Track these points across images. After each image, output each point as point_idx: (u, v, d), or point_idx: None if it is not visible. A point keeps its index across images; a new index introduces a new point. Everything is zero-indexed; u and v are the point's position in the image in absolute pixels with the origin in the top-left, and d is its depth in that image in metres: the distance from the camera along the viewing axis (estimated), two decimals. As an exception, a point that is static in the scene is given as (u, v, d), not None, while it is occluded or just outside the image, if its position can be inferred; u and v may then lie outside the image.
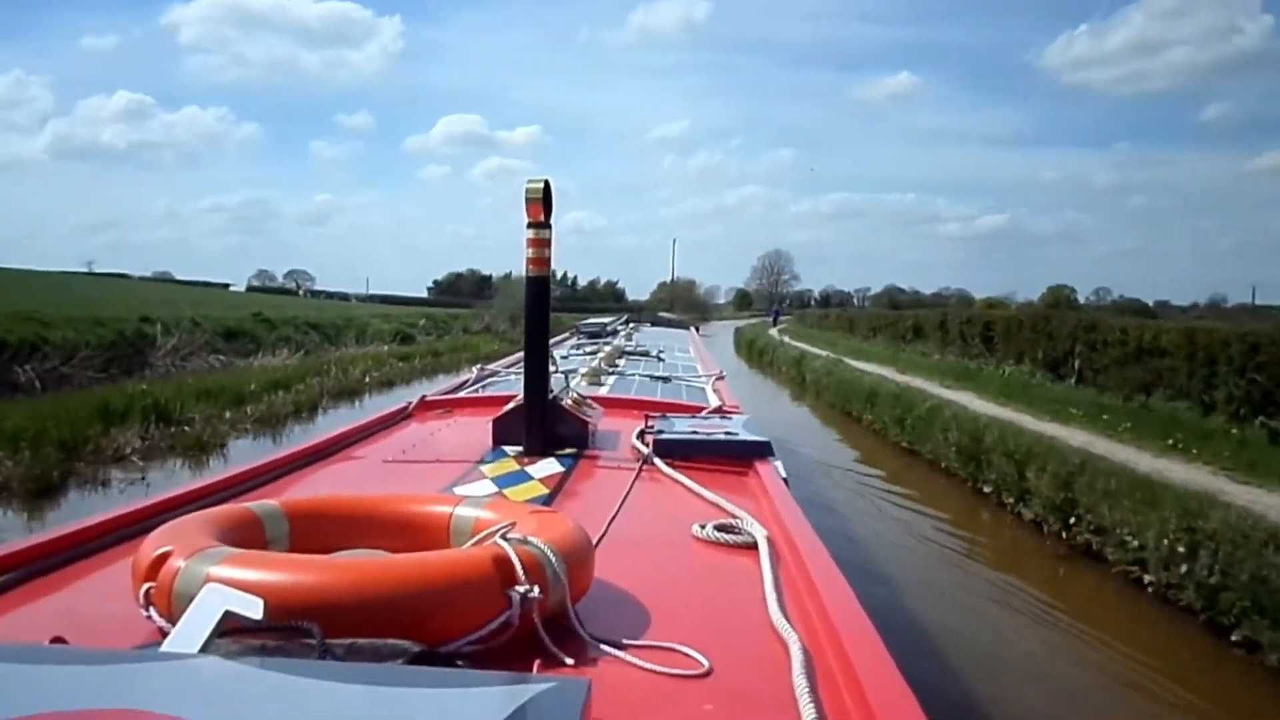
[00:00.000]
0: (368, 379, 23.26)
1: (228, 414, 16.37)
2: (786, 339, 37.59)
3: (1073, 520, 9.17)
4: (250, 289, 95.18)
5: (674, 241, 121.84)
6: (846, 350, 29.45)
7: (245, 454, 13.31)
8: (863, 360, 25.51)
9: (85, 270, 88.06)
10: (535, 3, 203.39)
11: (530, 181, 3.58)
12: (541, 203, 3.58)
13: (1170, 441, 11.73)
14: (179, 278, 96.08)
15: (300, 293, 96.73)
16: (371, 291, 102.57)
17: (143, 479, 11.03)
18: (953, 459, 12.54)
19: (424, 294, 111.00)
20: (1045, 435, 12.30)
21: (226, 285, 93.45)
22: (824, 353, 28.47)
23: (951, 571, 9.06)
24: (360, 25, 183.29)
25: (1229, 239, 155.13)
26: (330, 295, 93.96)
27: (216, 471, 3.51)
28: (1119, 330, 14.51)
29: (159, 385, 17.90)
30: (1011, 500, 10.56)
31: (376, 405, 19.38)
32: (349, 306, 58.10)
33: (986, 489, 11.35)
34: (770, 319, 71.39)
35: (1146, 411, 13.25)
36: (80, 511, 9.52)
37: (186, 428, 14.53)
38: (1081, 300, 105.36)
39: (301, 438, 5.05)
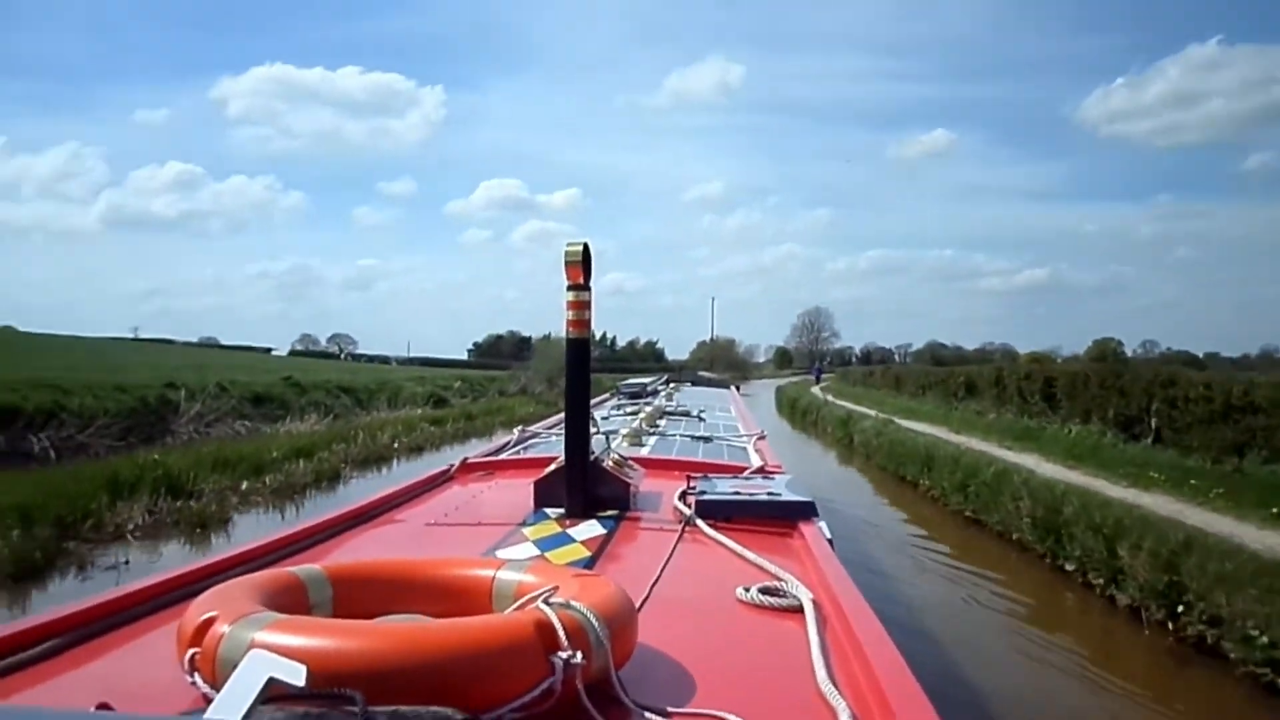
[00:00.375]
0: (396, 444, 22.29)
1: (244, 484, 15.47)
2: (830, 398, 36.21)
3: (1180, 609, 7.84)
4: (293, 353, 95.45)
5: (713, 300, 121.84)
6: (895, 409, 28.07)
7: (253, 530, 12.37)
8: (913, 419, 24.18)
9: (131, 336, 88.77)
10: (573, 70, 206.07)
11: (569, 244, 3.57)
12: (581, 265, 3.57)
13: (1276, 510, 10.35)
14: (223, 343, 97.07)
15: (342, 356, 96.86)
16: (412, 354, 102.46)
17: (125, 563, 10.00)
18: (1026, 532, 11.23)
19: (464, 356, 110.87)
20: (1128, 503, 10.97)
21: (269, 350, 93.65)
22: (872, 412, 27.14)
23: (1038, 667, 7.77)
24: (403, 96, 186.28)
25: (1274, 290, 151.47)
26: (371, 359, 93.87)
27: (259, 536, 3.30)
28: (1203, 385, 13.14)
29: (174, 454, 17.05)
30: (1101, 582, 9.23)
31: (404, 473, 18.51)
32: (386, 369, 57.55)
33: (1069, 567, 10.01)
34: (812, 377, 70.10)
35: (1240, 476, 11.85)
36: (52, 600, 8.89)
37: (194, 501, 13.60)
38: (1129, 353, 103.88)
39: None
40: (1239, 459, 12.24)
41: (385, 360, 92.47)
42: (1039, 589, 10.23)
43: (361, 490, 14.85)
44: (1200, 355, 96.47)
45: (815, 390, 49.99)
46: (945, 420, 23.25)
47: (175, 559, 10.04)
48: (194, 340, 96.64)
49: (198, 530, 12.40)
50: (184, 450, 17.98)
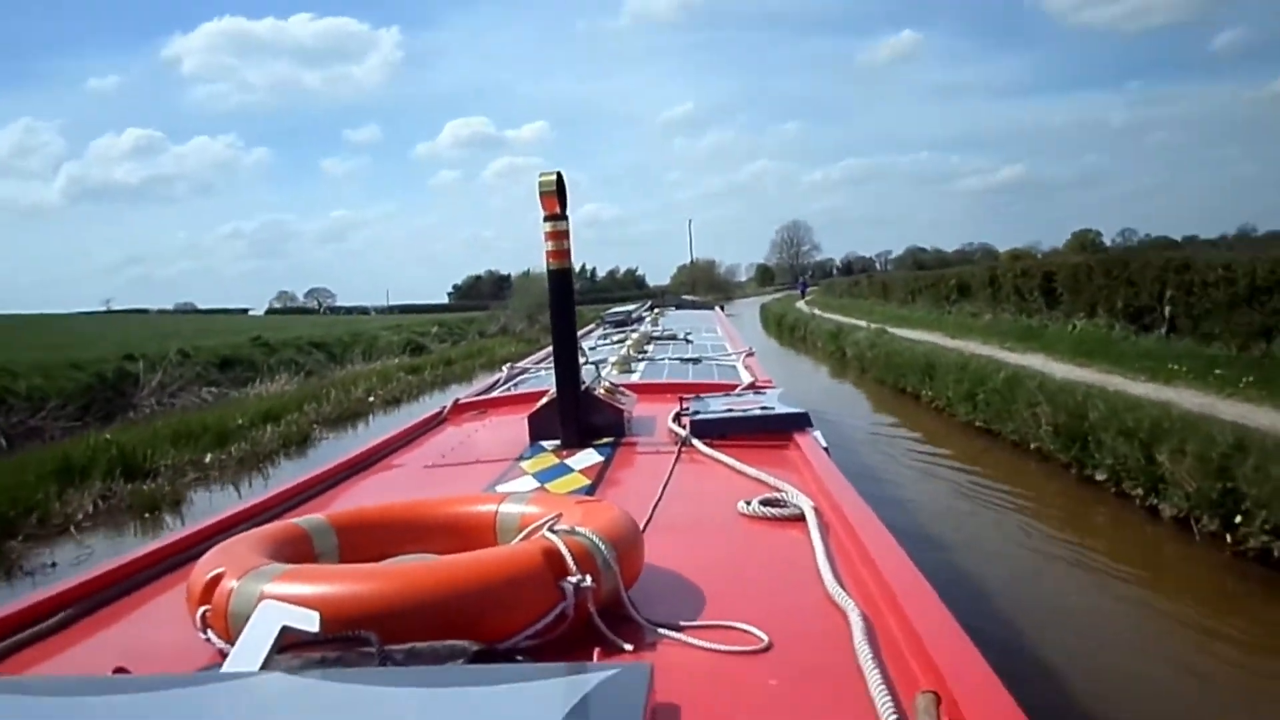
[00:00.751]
0: (372, 398, 21.23)
1: (208, 457, 14.44)
2: (817, 311, 35.18)
3: (1239, 519, 6.92)
4: (270, 311, 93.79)
5: (689, 222, 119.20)
6: (885, 318, 27.11)
7: (208, 508, 11.36)
8: (906, 327, 23.22)
9: (104, 309, 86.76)
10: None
11: (543, 175, 3.54)
12: (556, 195, 3.53)
13: (1319, 396, 9.43)
14: (200, 307, 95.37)
15: (320, 310, 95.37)
16: (392, 303, 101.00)
17: (52, 565, 8.95)
18: (1047, 440, 10.30)
19: (444, 300, 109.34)
20: (1161, 402, 10.02)
21: (245, 310, 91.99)
22: (862, 323, 26.15)
23: (1079, 582, 6.92)
24: (358, 39, 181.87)
25: (1251, 167, 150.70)
26: (350, 310, 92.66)
27: (260, 491, 3.42)
28: (1222, 268, 12.12)
29: (133, 430, 15.99)
30: (1140, 492, 8.31)
31: (380, 428, 17.59)
32: (365, 320, 56.20)
33: (1099, 476, 9.09)
34: (798, 292, 69.06)
35: (1271, 362, 10.90)
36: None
37: (152, 481, 12.57)
38: (1107, 243, 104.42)
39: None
40: (1267, 344, 11.28)
41: (365, 311, 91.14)
42: (1069, 500, 9.33)
43: (334, 451, 14.08)
44: (1179, 239, 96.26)
45: (801, 305, 48.96)
46: (939, 325, 22.28)
47: (127, 549, 9.03)
48: (169, 307, 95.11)
49: (147, 515, 11.35)
50: (144, 425, 16.93)
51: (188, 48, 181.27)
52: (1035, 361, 14.81)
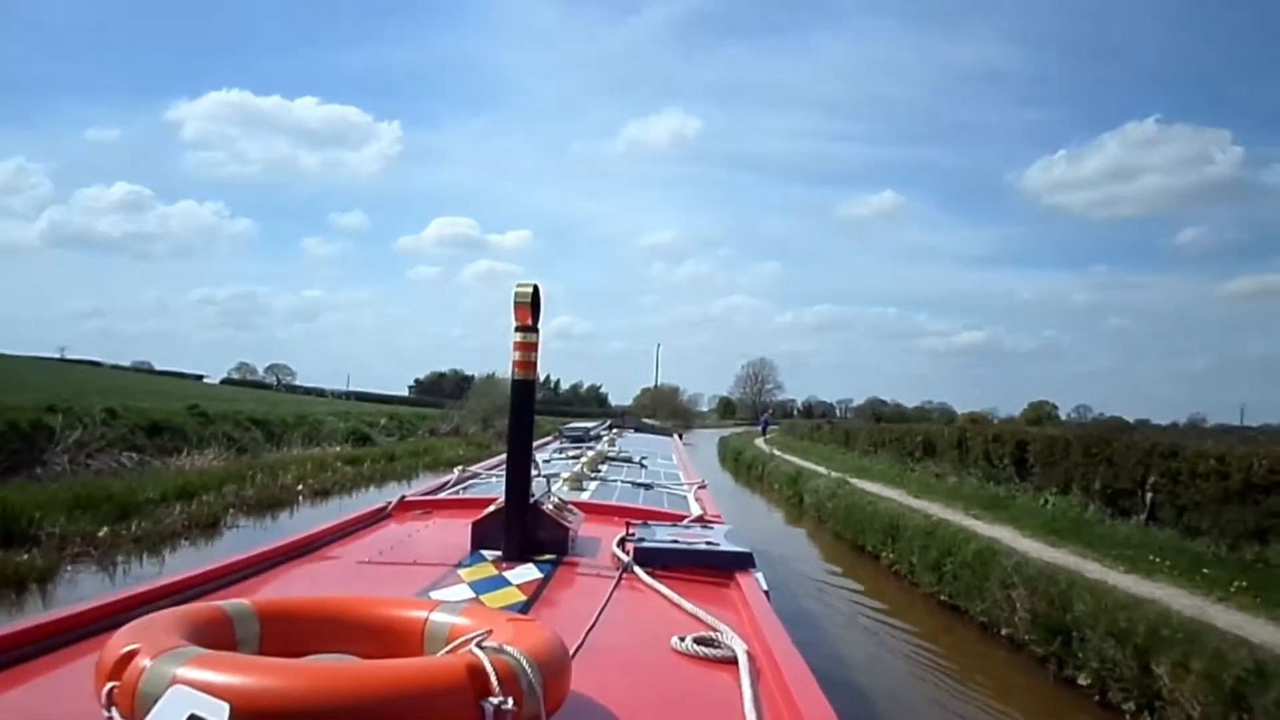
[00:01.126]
0: (300, 487, 19.84)
1: (103, 530, 13.04)
2: (777, 451, 34.17)
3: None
4: (225, 380, 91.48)
5: (658, 346, 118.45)
6: (846, 467, 26.19)
7: (76, 591, 10.00)
8: (867, 479, 22.25)
9: (57, 356, 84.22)
10: (533, 114, 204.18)
11: (519, 285, 3.51)
12: (530, 306, 3.50)
13: (1326, 615, 8.49)
14: (157, 368, 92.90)
15: (276, 387, 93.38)
16: (352, 388, 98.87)
17: None
18: (1021, 629, 9.27)
19: (405, 392, 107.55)
20: (1146, 599, 9.05)
21: (200, 377, 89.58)
22: (822, 469, 25.22)
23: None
24: (360, 129, 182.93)
25: (1202, 361, 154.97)
26: (307, 390, 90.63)
27: (187, 568, 2.98)
28: (1215, 459, 11.34)
29: (29, 489, 14.53)
30: (1133, 707, 7.26)
31: (304, 520, 16.24)
32: (315, 402, 54.47)
33: (1082, 680, 8.04)
34: (759, 428, 68.36)
35: (1265, 568, 10.00)
36: None
37: (28, 550, 11.17)
38: (1063, 416, 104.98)
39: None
40: (1261, 546, 10.40)
41: (321, 393, 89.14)
42: (1044, 702, 8.27)
43: (245, 541, 12.78)
44: (1131, 421, 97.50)
45: (760, 443, 48.10)
46: (901, 482, 21.35)
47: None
48: (125, 364, 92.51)
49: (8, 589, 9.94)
50: (46, 485, 15.48)
51: (192, 113, 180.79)
52: (1004, 535, 13.84)
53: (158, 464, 20.43)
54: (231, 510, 16.23)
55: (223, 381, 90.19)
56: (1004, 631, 9.73)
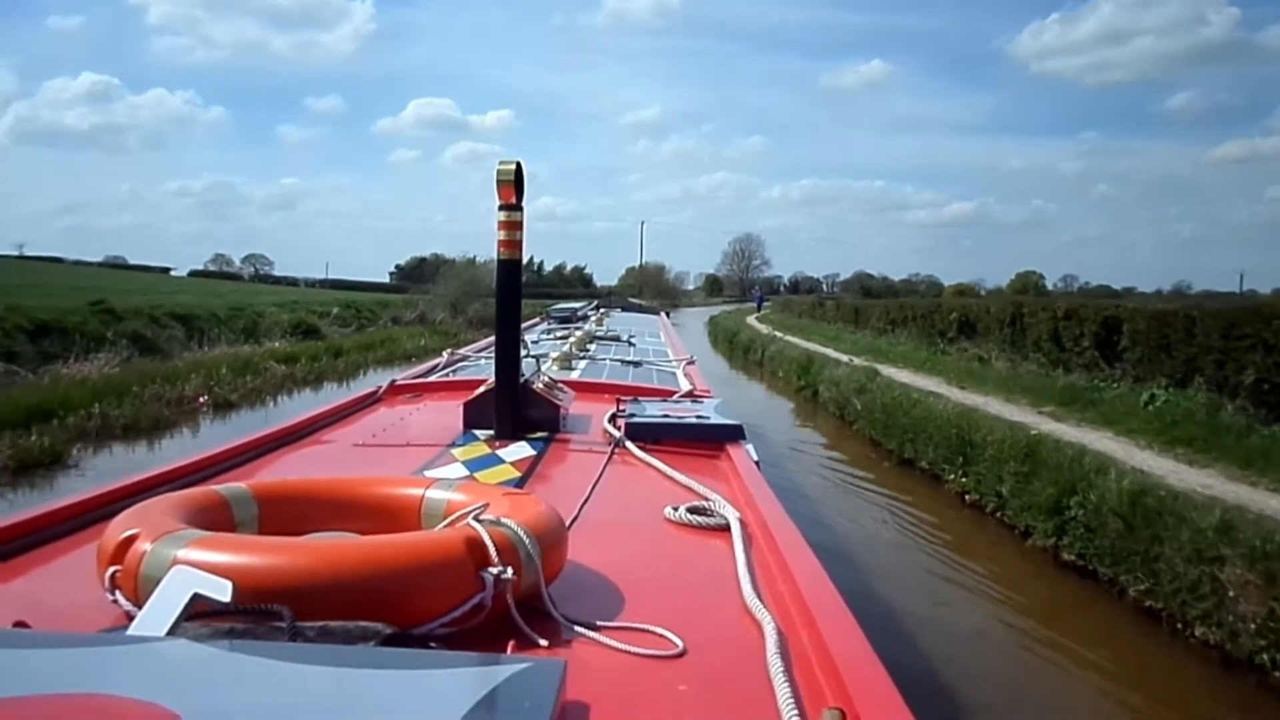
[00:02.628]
0: (203, 398, 15.77)
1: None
2: (777, 333, 29.93)
3: None
4: (195, 273, 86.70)
5: (642, 224, 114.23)
6: (861, 349, 22.25)
7: None
8: (890, 365, 18.34)
9: (15, 254, 79.08)
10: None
11: (502, 163, 3.47)
12: (513, 185, 3.46)
13: None
14: (131, 262, 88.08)
15: (249, 278, 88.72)
16: (330, 276, 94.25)
17: None
18: (1247, 640, 5.42)
19: (386, 279, 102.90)
20: None
21: (167, 270, 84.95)
22: (837, 354, 21.25)
23: None
24: (332, 6, 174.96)
25: (1188, 227, 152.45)
26: (277, 280, 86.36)
27: (184, 455, 2.97)
28: None
29: None
30: None
31: (185, 446, 12.42)
32: (276, 292, 49.92)
33: None
34: (752, 305, 64.41)
35: None
36: None
37: None
38: (1050, 287, 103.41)
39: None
40: None
41: (294, 282, 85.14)
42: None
43: (78, 485, 9.13)
44: (1118, 289, 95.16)
45: (754, 321, 44.06)
46: (935, 368, 17.42)
47: None
48: (97, 260, 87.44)
49: None
50: None
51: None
52: (1106, 444, 9.95)
53: (28, 376, 16.35)
54: (83, 442, 12.13)
55: (191, 274, 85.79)
56: (1210, 637, 5.86)
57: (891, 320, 23.98)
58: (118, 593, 1.56)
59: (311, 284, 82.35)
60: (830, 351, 23.78)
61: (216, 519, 1.80)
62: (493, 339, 4.04)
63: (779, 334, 28.41)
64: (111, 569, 1.57)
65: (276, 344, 24.76)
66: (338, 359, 23.22)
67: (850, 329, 28.21)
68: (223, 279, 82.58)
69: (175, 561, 1.44)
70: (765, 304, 62.68)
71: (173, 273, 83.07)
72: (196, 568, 1.38)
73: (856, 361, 18.16)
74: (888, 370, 17.22)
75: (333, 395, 14.82)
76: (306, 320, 27.48)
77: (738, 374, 25.74)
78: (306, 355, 21.84)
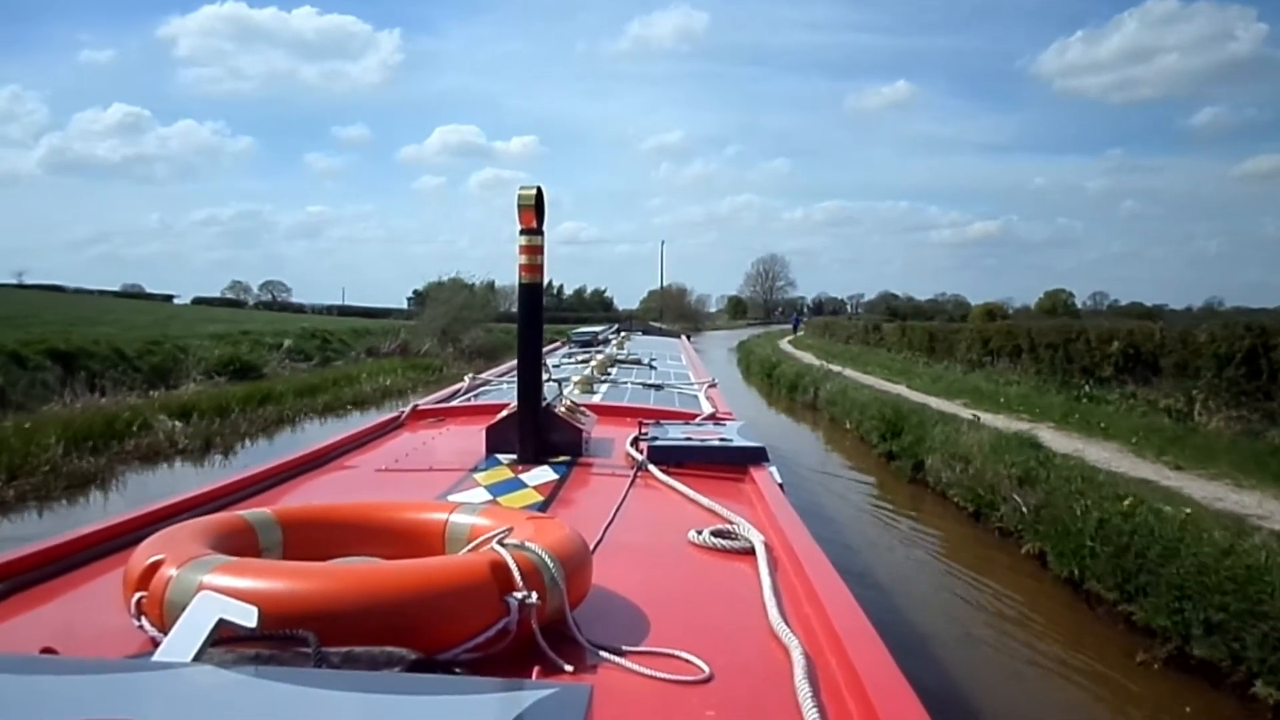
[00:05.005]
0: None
1: None
2: (830, 365, 23.25)
3: None
4: (197, 300, 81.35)
5: (662, 244, 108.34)
6: (953, 390, 16.08)
7: None
8: (1025, 422, 12.10)
9: (14, 283, 74.07)
10: (534, 15, 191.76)
11: (523, 188, 3.41)
12: (534, 209, 3.41)
13: None
14: (150, 290, 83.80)
15: (252, 304, 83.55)
16: (348, 303, 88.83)
17: None
18: None
19: (404, 305, 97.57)
20: None
21: (170, 297, 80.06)
22: (931, 400, 14.99)
23: None
24: (359, 38, 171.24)
25: (1216, 243, 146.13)
26: (284, 307, 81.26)
27: (208, 481, 2.87)
28: None
29: None
30: None
31: None
32: (279, 319, 43.84)
33: None
34: (790, 328, 58.12)
35: None
36: None
37: None
38: (1079, 305, 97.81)
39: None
40: None
41: (300, 308, 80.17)
42: None
43: None
44: (1149, 306, 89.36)
45: (789, 347, 37.73)
46: (1095, 427, 11.16)
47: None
48: (114, 288, 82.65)
49: None
50: None
51: (185, 29, 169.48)
52: None
53: None
54: None
55: (195, 300, 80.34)
56: None
57: (990, 350, 17.63)
58: (143, 619, 1.51)
59: (319, 310, 77.12)
60: (906, 390, 17.49)
61: (241, 544, 1.74)
62: (513, 364, 4.14)
63: (830, 365, 22.04)
64: (137, 595, 1.52)
65: (191, 387, 18.86)
66: (263, 407, 17.23)
67: (923, 359, 21.86)
68: (227, 306, 77.74)
69: (200, 587, 1.40)
70: (800, 326, 56.51)
71: (175, 300, 78.16)
72: (222, 593, 1.34)
73: (970, 414, 11.84)
74: (1019, 428, 10.98)
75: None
76: (241, 356, 21.39)
77: (779, 416, 19.52)
78: (210, 407, 15.80)
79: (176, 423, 14.50)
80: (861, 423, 14.67)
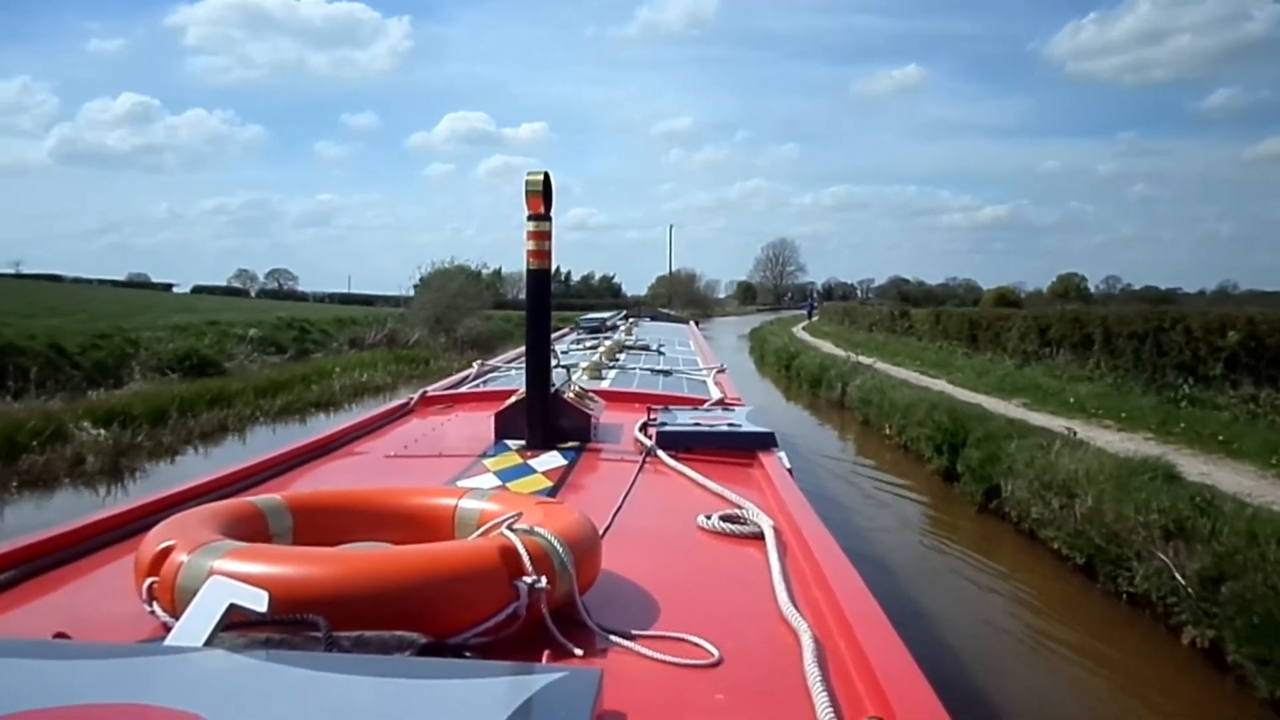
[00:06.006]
0: None
1: None
2: (855, 356, 20.63)
3: None
4: (197, 289, 78.99)
5: (670, 228, 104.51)
6: (1006, 388, 13.60)
7: None
8: (1115, 431, 9.58)
9: (12, 272, 71.91)
10: (542, 1, 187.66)
11: (530, 174, 3.33)
12: (541, 194, 3.33)
13: None
14: (155, 280, 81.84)
15: (254, 294, 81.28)
16: (354, 290, 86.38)
17: None
18: None
19: (410, 293, 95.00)
20: None
21: (170, 286, 77.97)
22: (981, 398, 12.48)
23: None
24: (368, 25, 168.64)
25: (1227, 226, 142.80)
26: (285, 295, 79.11)
27: (218, 468, 2.85)
28: None
29: None
30: None
31: None
32: (269, 308, 41.32)
33: None
34: (804, 314, 55.43)
35: None
36: None
37: None
38: (1093, 289, 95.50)
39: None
40: None
41: (303, 296, 77.97)
42: None
43: None
44: (1164, 290, 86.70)
45: (805, 334, 35.17)
46: (1217, 441, 8.64)
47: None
48: (120, 278, 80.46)
49: None
50: None
51: (194, 17, 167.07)
52: None
53: None
54: None
55: (194, 289, 77.91)
56: None
57: (1048, 340, 15.05)
58: (155, 604, 1.50)
59: (321, 298, 74.80)
60: (947, 386, 14.98)
61: (251, 530, 1.73)
62: (520, 351, 4.11)
63: (856, 356, 19.48)
64: (149, 580, 1.51)
65: (134, 386, 16.46)
66: (215, 409, 14.82)
67: (961, 350, 19.28)
68: (230, 295, 75.40)
69: (211, 572, 1.39)
70: (814, 312, 53.87)
71: (175, 289, 75.93)
72: (232, 578, 1.33)
73: (1062, 425, 9.28)
74: (1118, 443, 8.47)
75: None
76: (199, 350, 18.92)
77: (800, 413, 17.04)
78: (143, 411, 13.37)
79: (102, 431, 12.16)
80: (905, 428, 12.14)
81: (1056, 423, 11.14)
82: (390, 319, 29.22)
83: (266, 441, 13.47)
